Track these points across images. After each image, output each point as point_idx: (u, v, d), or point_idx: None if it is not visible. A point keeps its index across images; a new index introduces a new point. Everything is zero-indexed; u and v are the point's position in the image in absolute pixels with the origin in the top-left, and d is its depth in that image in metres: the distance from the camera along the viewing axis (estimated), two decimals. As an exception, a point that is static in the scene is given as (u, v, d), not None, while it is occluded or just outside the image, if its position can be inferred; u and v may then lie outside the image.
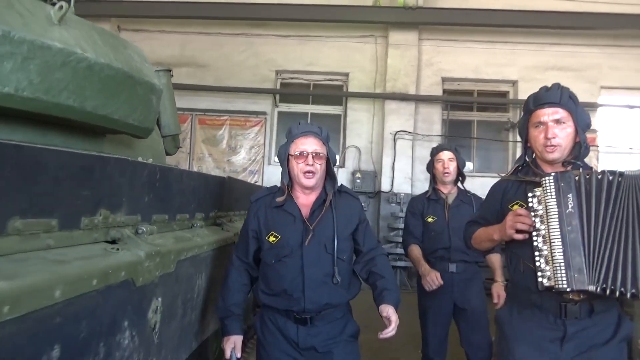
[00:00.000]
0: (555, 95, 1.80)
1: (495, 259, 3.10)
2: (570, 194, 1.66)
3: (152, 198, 1.47)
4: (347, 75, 8.57)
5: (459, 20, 7.73)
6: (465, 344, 3.02)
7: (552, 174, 1.70)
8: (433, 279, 2.89)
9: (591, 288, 1.60)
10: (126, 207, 1.29)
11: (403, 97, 8.00)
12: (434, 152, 3.20)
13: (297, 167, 1.97)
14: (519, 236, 1.73)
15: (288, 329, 1.96)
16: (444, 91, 8.46)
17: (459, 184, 3.19)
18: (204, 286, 1.95)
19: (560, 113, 1.77)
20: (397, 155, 7.91)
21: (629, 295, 1.56)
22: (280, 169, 2.05)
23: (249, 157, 8.51)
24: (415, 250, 3.09)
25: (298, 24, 8.28)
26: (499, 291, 2.96)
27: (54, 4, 1.58)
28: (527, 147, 1.92)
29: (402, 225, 6.89)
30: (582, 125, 1.80)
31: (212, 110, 8.39)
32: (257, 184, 7.82)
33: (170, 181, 1.63)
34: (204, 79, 8.50)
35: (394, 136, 7.94)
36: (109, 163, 1.17)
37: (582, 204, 1.65)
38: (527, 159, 1.93)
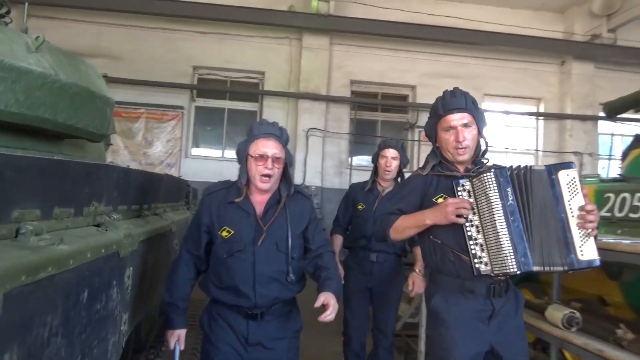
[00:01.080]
0: (461, 102, 1.96)
1: (419, 251, 3.20)
2: (509, 188, 1.80)
3: (118, 193, 1.91)
4: (263, 73, 9.03)
5: (366, 29, 8.51)
6: (374, 317, 3.16)
7: (493, 170, 1.85)
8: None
9: (536, 269, 1.76)
10: (105, 200, 1.72)
11: (315, 97, 8.65)
12: (382, 145, 3.20)
13: (256, 169, 1.97)
14: (461, 220, 1.83)
15: (238, 324, 1.98)
16: (352, 92, 9.23)
17: (399, 180, 3.22)
18: (153, 263, 2.38)
19: (466, 118, 1.93)
20: (309, 151, 8.55)
21: (565, 269, 1.74)
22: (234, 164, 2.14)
23: (166, 150, 8.68)
24: (336, 240, 3.19)
25: (216, 22, 8.57)
26: (415, 280, 3.04)
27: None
28: (437, 147, 2.05)
29: (313, 216, 7.57)
30: (482, 126, 1.99)
31: (128, 103, 8.43)
32: (181, 177, 8.05)
33: (129, 179, 2.07)
34: (119, 71, 8.47)
35: (307, 133, 8.58)
36: (100, 168, 1.61)
37: (518, 196, 1.79)
38: (438, 158, 2.05)
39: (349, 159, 9.00)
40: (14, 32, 1.90)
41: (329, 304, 1.89)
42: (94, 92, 2.18)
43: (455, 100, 1.96)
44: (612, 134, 9.37)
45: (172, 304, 2.00)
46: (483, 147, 2.01)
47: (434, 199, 1.98)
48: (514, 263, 1.74)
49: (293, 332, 2.08)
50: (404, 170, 3.19)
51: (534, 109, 9.75)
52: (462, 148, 1.92)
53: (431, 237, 1.98)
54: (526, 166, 1.83)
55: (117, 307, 1.64)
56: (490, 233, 1.80)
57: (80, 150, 2.53)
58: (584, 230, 1.73)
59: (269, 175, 1.95)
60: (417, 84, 9.25)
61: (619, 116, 5.26)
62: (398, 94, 9.51)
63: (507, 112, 9.55)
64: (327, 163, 8.72)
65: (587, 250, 1.73)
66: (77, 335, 1.27)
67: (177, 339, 2.01)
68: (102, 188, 1.65)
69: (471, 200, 1.86)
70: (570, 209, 1.76)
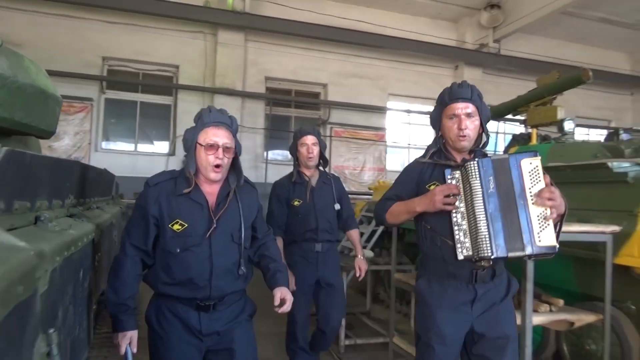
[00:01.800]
0: (467, 92, 2.02)
1: (355, 235, 3.32)
2: (491, 177, 1.86)
3: (76, 187, 2.09)
4: (177, 67, 8.99)
5: (280, 28, 8.83)
6: (322, 317, 3.14)
7: (476, 159, 1.90)
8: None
9: (511, 255, 1.81)
10: (74, 193, 1.92)
11: (231, 93, 8.82)
12: (298, 135, 3.20)
13: (207, 158, 1.90)
14: (448, 207, 1.90)
15: (189, 316, 1.92)
16: (267, 89, 9.52)
17: (320, 167, 3.25)
18: (108, 250, 2.54)
19: (471, 108, 1.99)
20: (226, 145, 8.71)
21: (526, 254, 1.80)
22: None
23: (73, 143, 8.34)
24: (279, 244, 2.99)
25: (127, 13, 8.37)
26: (360, 264, 3.19)
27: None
28: (439, 135, 2.11)
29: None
30: (485, 118, 2.05)
31: (30, 93, 7.95)
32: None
33: (85, 174, 2.24)
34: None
35: (223, 128, 8.72)
36: (75, 165, 1.80)
37: (499, 184, 1.85)
38: (439, 145, 2.12)
39: (265, 153, 9.29)
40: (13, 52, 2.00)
41: (286, 299, 1.97)
42: (46, 91, 2.31)
43: (462, 90, 2.03)
44: (497, 132, 10.65)
45: (121, 304, 1.86)
46: (484, 140, 2.09)
47: (427, 186, 2.05)
48: (489, 248, 1.80)
49: (247, 316, 2.08)
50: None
51: (432, 109, 10.72)
52: (463, 135, 1.99)
53: (423, 222, 2.07)
54: (496, 156, 1.93)
55: (91, 284, 1.86)
56: (472, 219, 1.86)
57: (24, 145, 2.61)
58: (542, 217, 1.78)
59: (219, 165, 1.90)
60: (328, 82, 9.76)
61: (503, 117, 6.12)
62: (310, 92, 9.97)
63: (409, 111, 10.43)
64: (244, 157, 8.81)
65: (544, 237, 1.78)
66: (78, 302, 1.50)
67: (129, 341, 1.87)
68: (71, 182, 1.84)
69: (458, 186, 1.92)
70: (531, 196, 1.81)
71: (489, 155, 2.02)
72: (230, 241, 1.97)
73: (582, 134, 11.68)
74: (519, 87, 9.10)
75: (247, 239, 2.03)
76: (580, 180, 3.24)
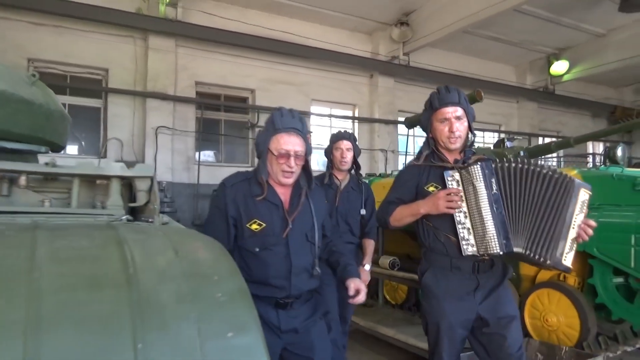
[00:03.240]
0: (455, 97, 2.14)
1: (369, 245, 3.30)
2: (494, 179, 1.97)
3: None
4: (107, 70, 9.07)
5: (210, 36, 9.26)
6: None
7: (479, 162, 2.01)
8: None
9: (517, 250, 1.97)
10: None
11: (163, 97, 9.10)
12: (334, 139, 3.28)
13: (278, 166, 1.96)
14: (451, 211, 2.01)
15: (268, 314, 1.95)
16: (197, 93, 9.88)
17: (353, 171, 3.31)
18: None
19: (459, 111, 2.13)
20: (159, 148, 8.99)
21: (548, 263, 1.96)
22: None
23: (-4, 146, 8.15)
24: None
25: (53, 15, 8.33)
26: (362, 274, 2.96)
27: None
28: (430, 137, 2.23)
29: (168, 209, 8.12)
30: (471, 119, 2.20)
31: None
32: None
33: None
34: None
35: (156, 131, 8.99)
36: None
37: (502, 185, 1.97)
38: (431, 147, 2.23)
39: (196, 156, 9.67)
40: (15, 71, 2.43)
41: (360, 289, 2.04)
42: (62, 113, 2.77)
43: (450, 95, 2.15)
44: (408, 135, 11.88)
45: None
46: (471, 139, 2.23)
47: (425, 187, 2.17)
48: (497, 245, 1.96)
49: (321, 315, 2.16)
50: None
51: (350, 113, 11.70)
52: (454, 138, 2.12)
53: (425, 220, 2.19)
54: (522, 160, 2.06)
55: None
56: (476, 218, 1.99)
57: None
58: (575, 242, 1.96)
59: (291, 172, 1.96)
60: (256, 87, 10.33)
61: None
62: (239, 96, 10.47)
63: (330, 115, 11.32)
64: (176, 159, 9.26)
65: (568, 258, 1.96)
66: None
67: None
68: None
69: (460, 188, 2.04)
70: (574, 221, 1.95)
71: (482, 157, 2.17)
72: (305, 240, 2.03)
73: (479, 137, 13.34)
74: (426, 94, 10.08)
75: (320, 238, 2.08)
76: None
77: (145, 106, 9.07)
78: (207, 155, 10.12)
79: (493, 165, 2.02)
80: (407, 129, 6.91)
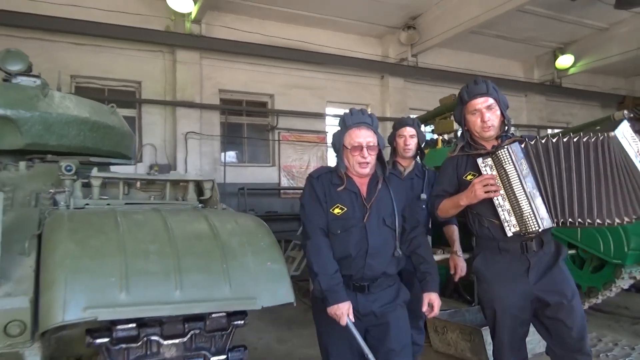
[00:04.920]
0: (483, 88, 2.16)
1: (453, 231, 3.23)
2: (523, 159, 1.98)
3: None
4: (139, 83, 10.02)
5: (231, 49, 10.14)
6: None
7: (505, 146, 2.03)
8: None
9: (554, 225, 1.99)
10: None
11: (191, 105, 10.01)
12: (397, 126, 3.22)
13: (353, 158, 2.10)
14: (490, 195, 2.04)
15: (349, 297, 2.07)
16: (221, 100, 10.77)
17: (418, 158, 3.25)
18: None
19: (489, 101, 2.15)
20: (189, 151, 9.90)
21: (586, 224, 1.96)
22: None
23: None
24: None
25: (92, 36, 9.29)
26: (456, 262, 3.13)
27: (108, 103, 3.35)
28: (465, 130, 2.27)
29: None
30: (504, 107, 2.20)
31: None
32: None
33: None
34: (-9, 79, 8.71)
35: (185, 136, 9.91)
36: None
37: (533, 164, 1.98)
38: (467, 139, 2.27)
39: (222, 157, 10.56)
40: (101, 105, 3.28)
41: (434, 305, 2.16)
42: (130, 132, 3.63)
43: (477, 87, 2.18)
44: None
45: (333, 277, 2.04)
46: (507, 125, 2.24)
47: (464, 177, 2.23)
48: (534, 222, 2.00)
49: (401, 301, 2.23)
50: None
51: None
52: (487, 127, 2.15)
53: (469, 209, 2.25)
54: (554, 134, 2.12)
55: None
56: (512, 199, 2.02)
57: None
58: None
59: (366, 163, 2.10)
60: (275, 93, 11.16)
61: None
62: (259, 101, 11.32)
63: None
64: (204, 161, 10.17)
65: None
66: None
67: (348, 312, 2.03)
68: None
69: (494, 173, 2.07)
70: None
71: (516, 137, 2.17)
72: (383, 224, 2.16)
73: (488, 131, 13.91)
74: (435, 92, 11.06)
75: (399, 224, 2.19)
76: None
77: (175, 114, 9.98)
78: (232, 156, 11.01)
79: (522, 145, 2.04)
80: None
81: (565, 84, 14.21)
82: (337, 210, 2.14)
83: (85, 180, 2.18)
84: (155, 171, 10.51)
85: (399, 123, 3.23)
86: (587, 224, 2.00)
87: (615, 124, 1.96)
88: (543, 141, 2.04)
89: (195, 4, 9.22)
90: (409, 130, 3.15)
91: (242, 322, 1.78)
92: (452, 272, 3.14)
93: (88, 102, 3.25)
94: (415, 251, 2.25)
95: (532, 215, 2.02)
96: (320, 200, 2.16)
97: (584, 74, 14.15)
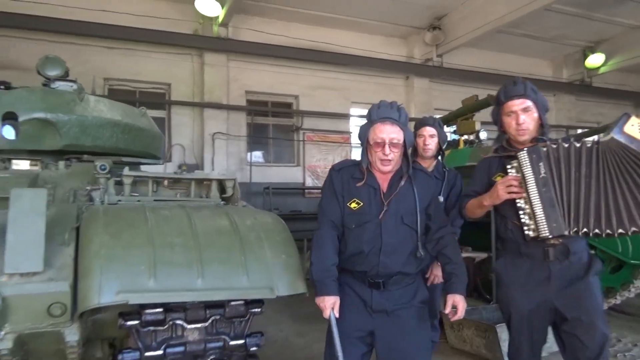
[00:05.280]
0: (520, 89, 2.11)
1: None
2: (542, 163, 1.94)
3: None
4: (169, 85, 10.35)
5: (257, 51, 10.35)
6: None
7: (525, 149, 2.01)
8: None
9: (566, 232, 1.92)
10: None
11: (218, 106, 10.27)
12: (418, 126, 3.18)
13: (375, 154, 2.06)
14: (513, 196, 2.02)
15: (363, 291, 2.09)
16: (247, 101, 11.00)
17: (439, 158, 3.20)
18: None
19: (526, 103, 2.09)
20: (216, 151, 10.17)
21: (603, 235, 1.89)
22: None
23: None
24: None
25: (124, 40, 9.66)
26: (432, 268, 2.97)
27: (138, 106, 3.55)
28: (502, 131, 2.23)
29: (226, 205, 9.27)
30: (542, 109, 2.14)
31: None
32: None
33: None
34: (29, 82, 9.11)
35: (213, 137, 10.18)
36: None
37: (552, 168, 1.93)
38: (503, 140, 2.23)
39: (248, 157, 10.80)
40: (132, 108, 3.48)
41: (458, 307, 2.08)
42: (160, 134, 3.83)
43: (515, 88, 2.13)
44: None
45: (326, 270, 2.02)
46: (544, 128, 2.17)
47: (493, 178, 2.20)
48: (546, 229, 1.95)
49: (418, 302, 2.16)
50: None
51: (388, 113, 12.48)
52: (522, 130, 2.10)
53: (496, 210, 2.24)
54: (579, 140, 1.99)
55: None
56: (533, 203, 1.98)
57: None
58: None
59: (388, 160, 2.04)
60: (299, 94, 11.33)
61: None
62: (284, 102, 11.51)
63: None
64: (231, 161, 10.42)
65: None
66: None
67: (333, 306, 2.01)
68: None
69: (518, 175, 2.05)
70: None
71: (549, 141, 2.09)
72: (401, 223, 2.09)
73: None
74: (460, 93, 10.98)
75: (421, 224, 2.13)
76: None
77: (202, 115, 10.27)
78: (257, 156, 11.24)
79: (544, 149, 1.99)
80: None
81: (595, 83, 13.92)
82: (353, 205, 2.11)
83: (118, 179, 2.37)
84: (183, 170, 10.82)
85: (420, 123, 3.21)
86: (605, 234, 1.93)
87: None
88: (565, 145, 1.98)
89: (222, 8, 9.46)
90: (428, 130, 3.11)
91: (259, 309, 1.95)
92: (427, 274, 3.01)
93: (120, 106, 3.46)
94: (441, 251, 2.19)
95: (543, 220, 1.98)
96: (337, 193, 2.15)
97: (615, 73, 13.82)
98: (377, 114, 2.07)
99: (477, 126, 6.21)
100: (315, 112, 11.28)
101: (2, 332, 1.62)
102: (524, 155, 2.00)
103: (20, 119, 2.76)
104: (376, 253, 2.05)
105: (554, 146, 1.98)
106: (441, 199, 3.08)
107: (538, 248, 2.07)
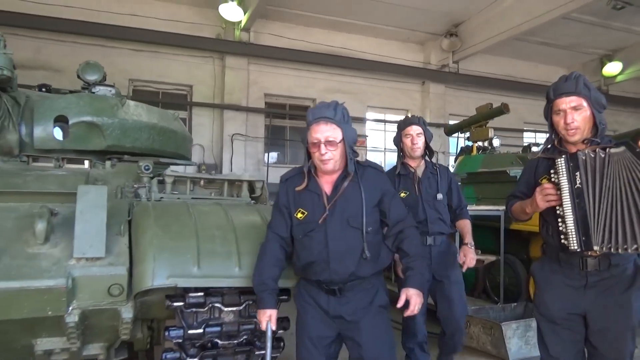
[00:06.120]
0: (571, 85, 1.97)
1: (464, 224, 3.12)
2: (578, 172, 1.84)
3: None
4: (191, 87, 10.69)
5: (277, 55, 10.68)
6: (443, 315, 2.98)
7: (563, 156, 1.91)
8: None
9: (596, 248, 1.82)
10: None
11: (237, 108, 10.59)
12: (402, 126, 3.10)
13: (314, 155, 2.04)
14: (551, 204, 1.95)
15: (320, 298, 2.08)
16: (266, 104, 11.30)
17: (426, 157, 3.12)
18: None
19: (576, 101, 1.95)
20: (234, 152, 10.49)
21: (630, 250, 1.77)
22: None
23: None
24: None
25: (149, 43, 10.02)
26: (466, 252, 2.96)
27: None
28: (553, 129, 2.09)
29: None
30: (596, 107, 1.98)
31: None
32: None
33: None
34: (60, 82, 9.53)
35: (231, 137, 10.50)
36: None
37: (587, 178, 1.83)
38: (554, 139, 2.12)
39: (265, 158, 11.09)
40: (166, 111, 3.77)
41: (410, 300, 2.01)
42: (189, 136, 4.12)
43: (566, 84, 2.00)
44: (458, 136, 12.73)
45: (262, 283, 2.00)
46: (600, 128, 2.01)
47: (539, 180, 2.12)
48: (575, 242, 1.88)
49: (377, 306, 2.11)
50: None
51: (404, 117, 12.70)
52: (571, 129, 1.97)
53: (541, 214, 2.16)
54: (605, 149, 1.86)
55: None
56: (566, 214, 1.91)
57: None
58: None
59: (326, 159, 2.00)
60: (316, 97, 11.57)
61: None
62: (302, 105, 11.78)
63: (384, 121, 12.41)
64: (248, 161, 10.73)
65: None
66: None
67: (269, 319, 2.00)
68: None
69: (560, 182, 1.93)
70: None
71: (602, 143, 1.98)
72: (347, 226, 2.04)
73: (530, 137, 13.89)
74: (476, 99, 11.20)
75: (369, 224, 2.06)
76: (494, 180, 5.23)
77: (222, 116, 10.59)
78: (274, 157, 11.54)
79: (583, 157, 1.88)
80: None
81: (612, 91, 13.94)
82: (299, 215, 2.10)
83: (160, 178, 2.65)
84: (203, 170, 11.18)
85: (404, 122, 3.13)
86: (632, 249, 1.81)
87: None
88: (604, 152, 1.86)
89: (245, 13, 9.77)
90: (415, 129, 3.03)
91: (286, 297, 2.19)
92: (460, 261, 2.99)
93: (156, 110, 3.74)
94: (399, 245, 2.14)
95: (574, 233, 1.89)
96: (281, 205, 2.15)
97: (633, 82, 13.85)
98: (312, 115, 2.06)
99: (491, 133, 6.41)
100: (332, 116, 11.50)
101: (70, 308, 1.89)
102: (561, 163, 1.92)
103: (70, 121, 3.05)
104: (325, 260, 2.02)
105: (592, 155, 1.87)
106: (440, 196, 3.06)
107: (576, 256, 1.99)
